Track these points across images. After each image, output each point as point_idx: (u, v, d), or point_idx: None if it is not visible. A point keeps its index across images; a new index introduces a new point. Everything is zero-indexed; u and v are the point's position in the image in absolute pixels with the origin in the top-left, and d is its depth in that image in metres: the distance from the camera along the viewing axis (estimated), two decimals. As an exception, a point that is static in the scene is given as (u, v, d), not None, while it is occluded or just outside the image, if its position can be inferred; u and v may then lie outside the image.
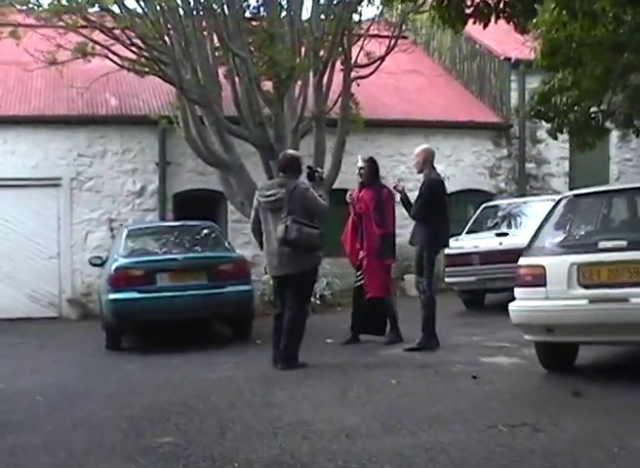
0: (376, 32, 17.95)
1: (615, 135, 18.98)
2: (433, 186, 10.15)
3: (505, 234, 13.69)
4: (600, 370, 8.34)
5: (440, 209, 10.19)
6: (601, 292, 7.20)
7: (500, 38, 21.82)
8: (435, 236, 10.08)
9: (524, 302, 7.70)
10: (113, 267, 11.67)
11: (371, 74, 16.60)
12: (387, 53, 16.58)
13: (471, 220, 15.01)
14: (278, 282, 9.33)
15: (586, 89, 11.67)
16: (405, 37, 24.36)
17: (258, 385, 8.33)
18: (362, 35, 16.98)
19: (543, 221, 8.08)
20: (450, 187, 17.97)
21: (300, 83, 15.89)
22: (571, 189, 20.41)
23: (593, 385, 7.31)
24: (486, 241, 13.72)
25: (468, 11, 9.24)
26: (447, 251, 12.37)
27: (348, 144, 16.83)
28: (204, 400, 7.65)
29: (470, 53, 22.19)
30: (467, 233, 14.30)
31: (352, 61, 16.25)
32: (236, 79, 15.35)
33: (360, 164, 10.78)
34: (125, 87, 18.96)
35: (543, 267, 7.52)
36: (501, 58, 20.65)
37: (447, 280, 13.28)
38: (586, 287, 7.30)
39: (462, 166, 19.80)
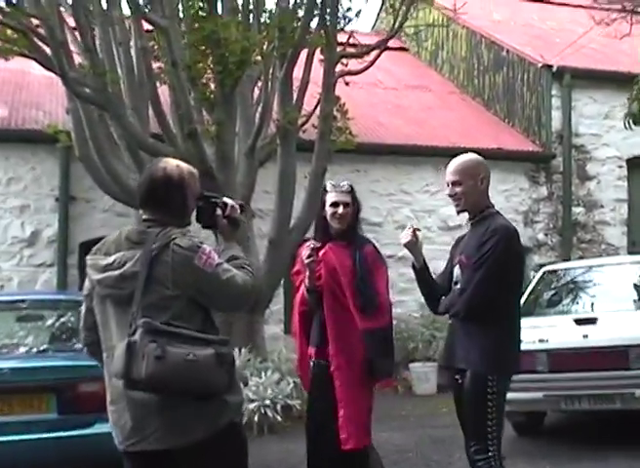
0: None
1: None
2: (508, 245, 4.67)
3: (592, 321, 8.21)
4: None
5: (514, 296, 4.81)
6: None
7: (533, 43, 16.73)
8: (506, 352, 4.69)
9: None
10: None
11: (366, 69, 11.21)
12: (391, 36, 11.20)
13: (525, 294, 9.43)
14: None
15: None
16: (405, 49, 19.64)
17: None
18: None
19: None
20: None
21: (258, 78, 10.58)
22: (630, 243, 15.31)
23: None
24: (559, 332, 8.26)
25: None
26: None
27: (330, 175, 11.42)
28: None
29: (494, 62, 16.92)
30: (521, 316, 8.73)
31: (339, 50, 10.88)
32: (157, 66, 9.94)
33: (336, 197, 5.42)
34: (24, 94, 13.93)
35: None
36: (539, 65, 15.38)
37: (494, 397, 7.74)
38: None
39: (488, 210, 14.43)
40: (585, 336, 8.02)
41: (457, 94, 17.73)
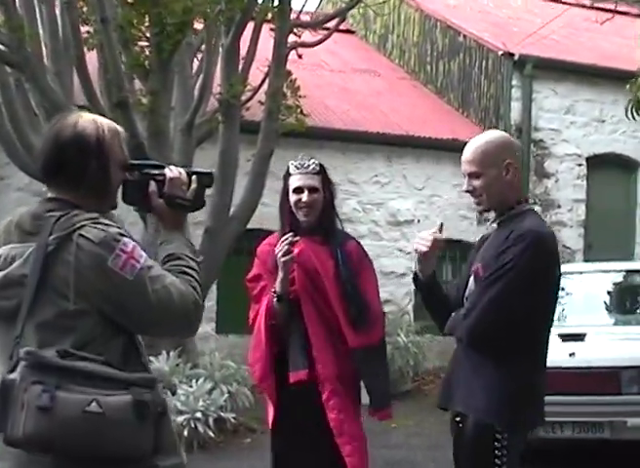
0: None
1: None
2: (536, 255, 3.41)
3: (580, 337, 7.21)
4: None
5: (541, 322, 3.53)
6: None
7: (491, 30, 15.77)
8: (524, 398, 3.43)
9: None
10: None
11: (324, 40, 10.08)
12: (351, 7, 10.08)
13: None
14: None
15: None
16: (352, 32, 18.56)
17: None
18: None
19: None
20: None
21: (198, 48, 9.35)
22: (587, 246, 14.45)
23: None
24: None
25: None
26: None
27: (273, 161, 10.21)
28: None
29: (449, 48, 15.85)
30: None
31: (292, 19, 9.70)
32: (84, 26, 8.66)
33: (300, 181, 4.27)
34: None
35: None
36: (499, 53, 14.35)
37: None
38: None
39: (439, 204, 13.50)
40: (572, 355, 7.01)
41: (407, 80, 16.62)
